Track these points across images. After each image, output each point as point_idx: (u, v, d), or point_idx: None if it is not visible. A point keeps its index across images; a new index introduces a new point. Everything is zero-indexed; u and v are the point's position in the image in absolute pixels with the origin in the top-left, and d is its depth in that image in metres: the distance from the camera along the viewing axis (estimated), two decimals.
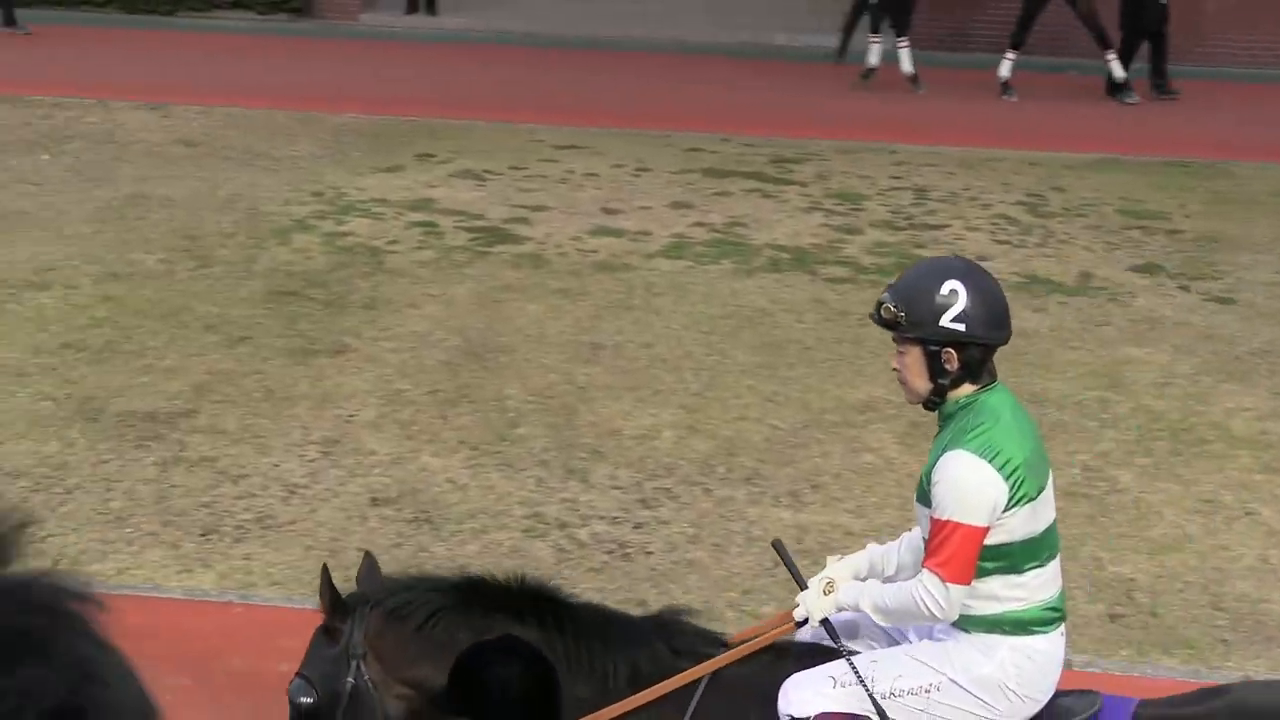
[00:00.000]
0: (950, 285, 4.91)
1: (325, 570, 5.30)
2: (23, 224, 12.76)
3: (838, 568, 5.21)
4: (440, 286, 11.68)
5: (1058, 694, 5.09)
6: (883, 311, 4.99)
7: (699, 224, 13.35)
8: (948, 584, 4.81)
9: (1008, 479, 4.82)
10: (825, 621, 5.09)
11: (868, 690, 4.93)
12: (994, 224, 13.59)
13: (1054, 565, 5.06)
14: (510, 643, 4.39)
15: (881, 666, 4.99)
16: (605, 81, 18.69)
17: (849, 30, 18.99)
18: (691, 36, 21.17)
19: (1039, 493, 4.93)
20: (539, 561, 7.97)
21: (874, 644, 5.21)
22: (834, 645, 5.08)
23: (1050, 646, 5.01)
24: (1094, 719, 5.02)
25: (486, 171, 14.64)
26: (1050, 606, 5.03)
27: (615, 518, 8.45)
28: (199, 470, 8.86)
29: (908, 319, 4.93)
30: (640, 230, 13.12)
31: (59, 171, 14.28)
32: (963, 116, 17.36)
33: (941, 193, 14.45)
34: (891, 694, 4.95)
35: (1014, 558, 4.92)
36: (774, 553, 5.49)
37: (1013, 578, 4.94)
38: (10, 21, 19.96)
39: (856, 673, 4.96)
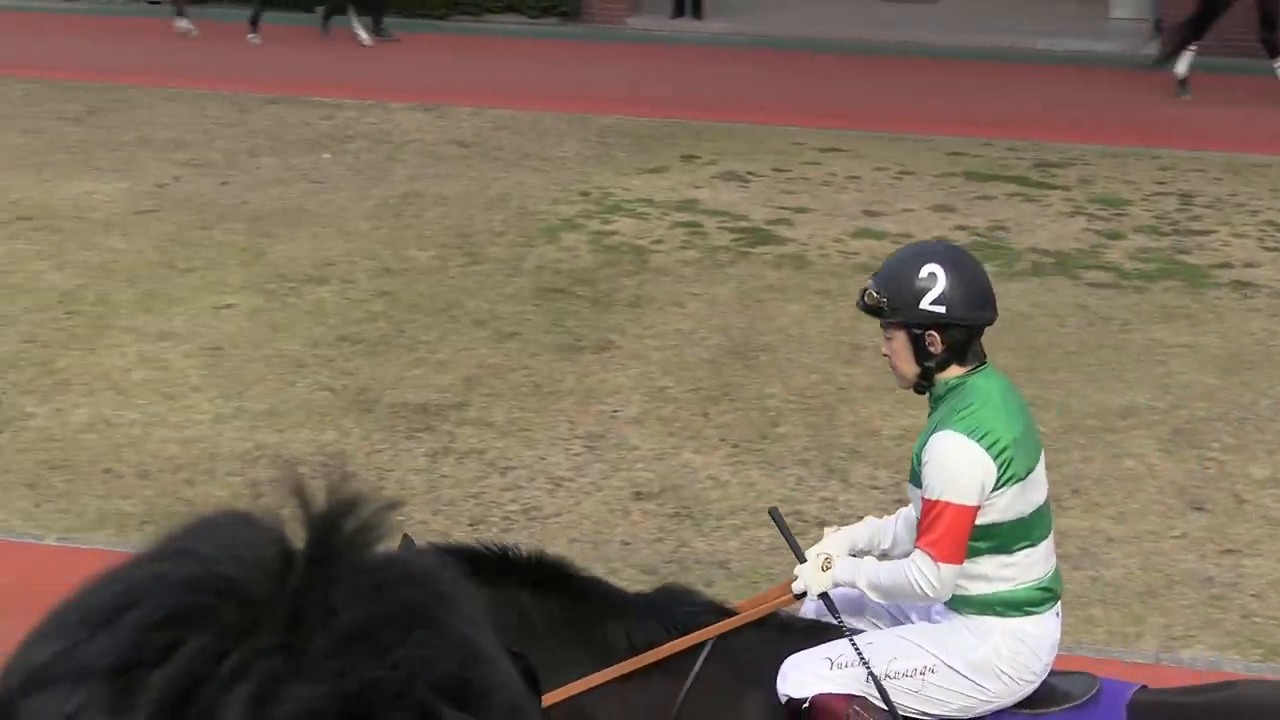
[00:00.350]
0: (929, 269, 5.05)
1: None
2: (305, 220, 13.23)
3: (835, 540, 5.32)
4: (703, 286, 11.85)
5: (1056, 675, 5.15)
6: (866, 298, 5.14)
7: (961, 227, 13.34)
8: (939, 563, 4.90)
9: (996, 458, 4.91)
10: (825, 596, 5.18)
11: (869, 670, 5.01)
12: (1262, 231, 13.35)
13: (1045, 545, 5.14)
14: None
15: (877, 648, 5.07)
16: (867, 85, 18.72)
17: (1180, 42, 18.27)
18: (951, 41, 21.08)
19: (1028, 473, 5.02)
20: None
21: (877, 621, 5.29)
22: (836, 622, 5.17)
23: (1041, 629, 5.08)
24: (1092, 701, 5.07)
25: (749, 173, 14.79)
26: (1042, 586, 5.10)
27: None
28: (468, 462, 9.12)
29: (889, 304, 5.06)
30: (901, 233, 13.15)
31: (339, 170, 14.75)
32: (1231, 122, 17.04)
33: (1207, 198, 14.23)
34: (887, 675, 5.04)
35: (1004, 537, 5.01)
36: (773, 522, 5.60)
37: (1003, 558, 5.03)
38: (329, 17, 20.52)
39: (859, 652, 5.03)
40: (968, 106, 17.60)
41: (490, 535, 8.23)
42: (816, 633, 5.22)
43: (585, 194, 14.07)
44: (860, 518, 8.10)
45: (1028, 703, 5.10)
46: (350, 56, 19.64)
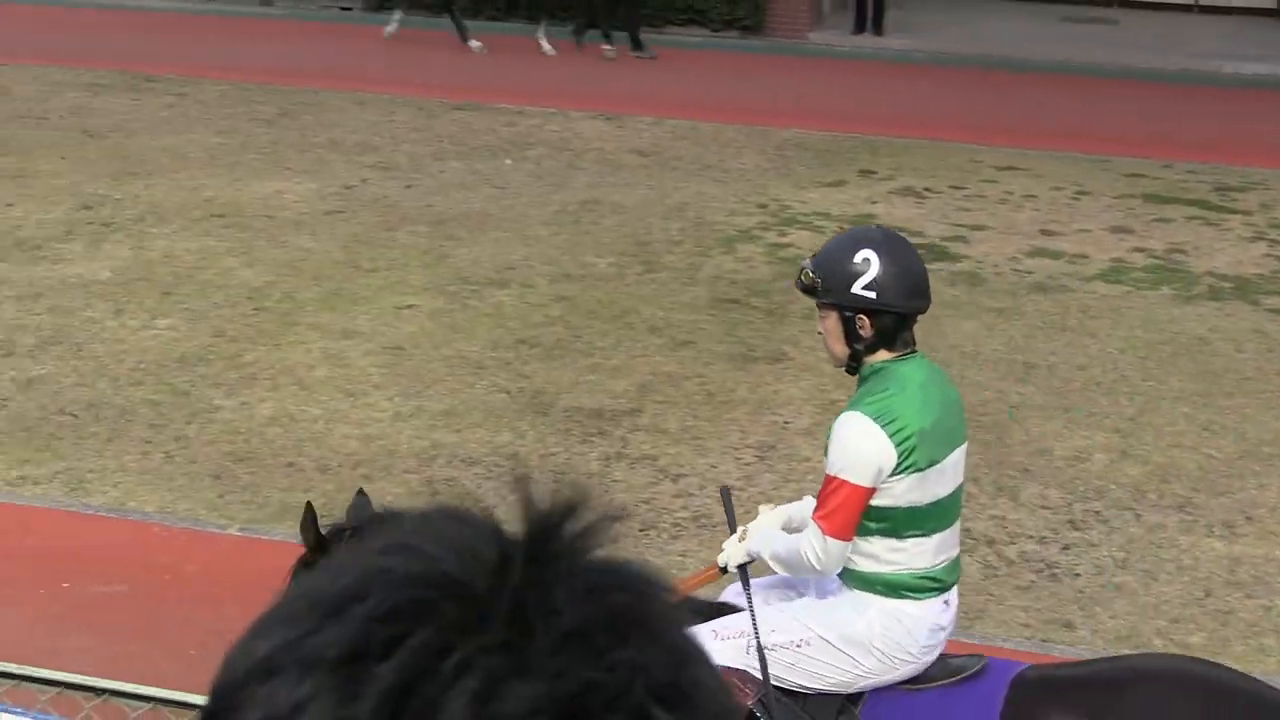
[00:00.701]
0: (864, 254, 5.13)
1: (309, 507, 5.50)
2: (486, 225, 13.45)
3: (769, 517, 5.53)
4: None
5: (945, 656, 5.27)
6: (802, 277, 5.26)
7: (1138, 249, 13.27)
8: (828, 537, 5.03)
9: (898, 446, 5.01)
10: (741, 568, 5.38)
11: (747, 642, 5.17)
12: None
13: (940, 538, 5.21)
14: None
15: (759, 622, 5.22)
16: (1046, 104, 18.61)
17: None
18: (1133, 61, 20.90)
19: (929, 465, 5.09)
20: (965, 576, 8.11)
21: (788, 594, 5.47)
22: (746, 594, 5.33)
23: (921, 612, 5.18)
24: (975, 675, 5.19)
25: (927, 189, 14.80)
26: (928, 575, 5.20)
27: (1043, 537, 8.53)
28: (640, 467, 9.23)
29: (823, 285, 5.17)
30: (1078, 253, 13.11)
31: (520, 176, 14.97)
32: None
33: None
34: (765, 647, 5.19)
35: (896, 522, 5.12)
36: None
37: (894, 541, 5.14)
38: (582, 35, 20.70)
39: (754, 625, 5.18)
40: (1148, 128, 17.46)
41: (660, 541, 8.38)
42: (715, 611, 5.44)
43: (762, 206, 14.17)
44: (1029, 535, 8.14)
45: (910, 680, 5.25)
46: (533, 64, 19.89)
